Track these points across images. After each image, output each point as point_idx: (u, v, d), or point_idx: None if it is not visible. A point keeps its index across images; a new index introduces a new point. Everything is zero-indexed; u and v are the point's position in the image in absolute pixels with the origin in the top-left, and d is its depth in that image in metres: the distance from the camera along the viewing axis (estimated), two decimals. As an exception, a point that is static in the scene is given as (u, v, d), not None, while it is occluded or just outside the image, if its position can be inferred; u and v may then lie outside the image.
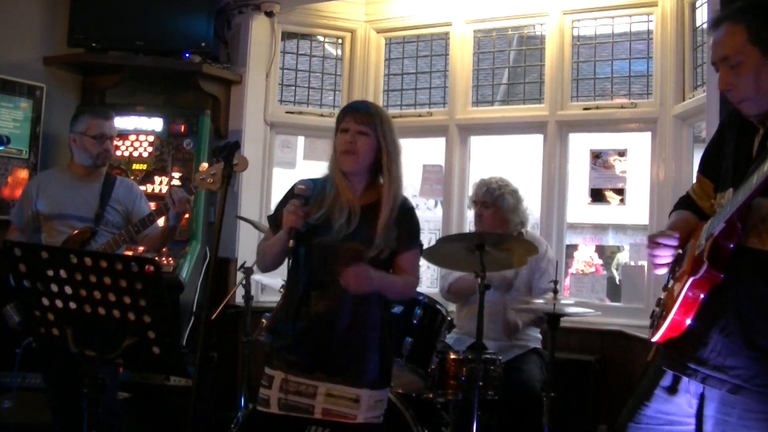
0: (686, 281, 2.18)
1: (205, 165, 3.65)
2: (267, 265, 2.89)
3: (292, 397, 2.68)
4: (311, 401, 2.67)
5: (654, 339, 2.32)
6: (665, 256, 2.32)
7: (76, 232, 3.69)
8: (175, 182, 4.88)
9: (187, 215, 3.96)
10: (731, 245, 2.12)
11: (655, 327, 2.34)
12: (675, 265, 2.34)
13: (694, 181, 2.55)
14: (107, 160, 3.88)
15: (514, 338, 4.30)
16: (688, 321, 2.21)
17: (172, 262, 4.80)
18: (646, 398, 2.32)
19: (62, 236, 3.69)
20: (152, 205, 3.97)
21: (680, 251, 2.34)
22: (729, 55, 2.17)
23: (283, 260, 2.81)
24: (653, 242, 2.32)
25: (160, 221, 3.78)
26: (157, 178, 5.04)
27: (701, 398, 2.19)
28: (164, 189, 4.96)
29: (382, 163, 2.77)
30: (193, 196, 3.70)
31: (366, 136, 2.74)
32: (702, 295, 2.17)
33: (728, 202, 2.14)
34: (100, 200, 3.79)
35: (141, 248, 4.12)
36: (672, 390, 2.27)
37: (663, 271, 2.36)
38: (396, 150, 2.81)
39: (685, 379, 2.25)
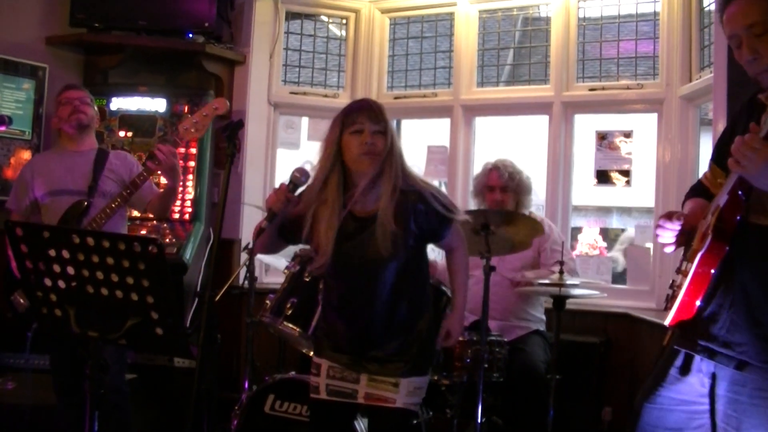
0: (696, 258, 2.19)
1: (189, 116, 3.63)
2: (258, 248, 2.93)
3: (338, 383, 2.74)
4: (355, 386, 2.72)
5: (666, 322, 2.33)
6: (668, 237, 2.33)
7: (69, 207, 3.65)
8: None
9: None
10: (737, 217, 2.13)
11: (667, 309, 2.35)
12: (687, 246, 2.35)
13: (707, 168, 2.54)
14: (82, 115, 3.79)
15: (519, 314, 4.29)
16: (698, 302, 2.22)
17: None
18: (661, 379, 2.34)
19: (60, 212, 3.64)
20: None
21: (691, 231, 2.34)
22: (756, 22, 2.13)
23: (269, 245, 2.87)
24: (658, 225, 2.34)
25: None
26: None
27: (713, 377, 2.21)
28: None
29: (387, 164, 2.66)
30: (178, 147, 3.66)
31: (382, 135, 2.65)
32: (712, 270, 2.18)
33: (731, 176, 2.15)
34: (93, 171, 3.76)
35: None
36: (685, 370, 2.29)
37: (669, 249, 2.38)
38: (400, 149, 2.75)
39: (697, 358, 2.27)
